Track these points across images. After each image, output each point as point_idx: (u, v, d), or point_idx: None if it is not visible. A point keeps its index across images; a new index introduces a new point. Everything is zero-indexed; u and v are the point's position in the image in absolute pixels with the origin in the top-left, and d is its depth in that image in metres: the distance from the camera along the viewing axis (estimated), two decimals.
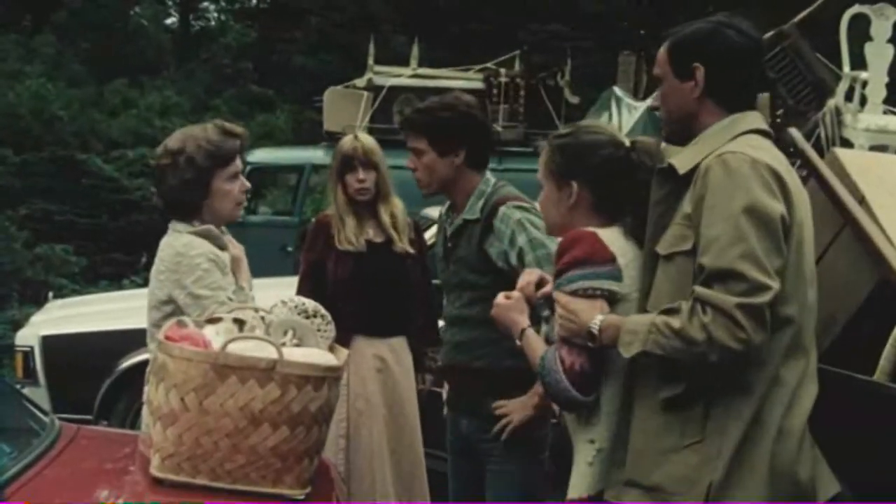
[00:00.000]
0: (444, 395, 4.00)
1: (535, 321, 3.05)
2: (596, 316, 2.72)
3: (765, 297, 2.48)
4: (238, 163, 3.74)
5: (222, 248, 3.70)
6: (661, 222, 2.74)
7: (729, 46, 2.75)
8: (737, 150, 2.63)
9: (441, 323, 4.04)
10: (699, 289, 2.53)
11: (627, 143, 3.03)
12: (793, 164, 4.69)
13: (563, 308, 2.78)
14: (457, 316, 3.81)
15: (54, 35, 22.35)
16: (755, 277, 2.48)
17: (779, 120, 6.21)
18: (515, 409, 3.56)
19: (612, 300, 2.80)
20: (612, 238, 2.90)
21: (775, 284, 2.50)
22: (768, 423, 2.60)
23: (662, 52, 2.83)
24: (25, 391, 6.12)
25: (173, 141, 3.70)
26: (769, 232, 2.54)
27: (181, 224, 3.68)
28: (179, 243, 3.60)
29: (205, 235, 3.66)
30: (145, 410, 3.68)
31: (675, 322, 2.54)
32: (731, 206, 2.54)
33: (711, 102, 2.77)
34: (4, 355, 8.87)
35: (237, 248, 3.80)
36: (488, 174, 3.85)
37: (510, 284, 3.34)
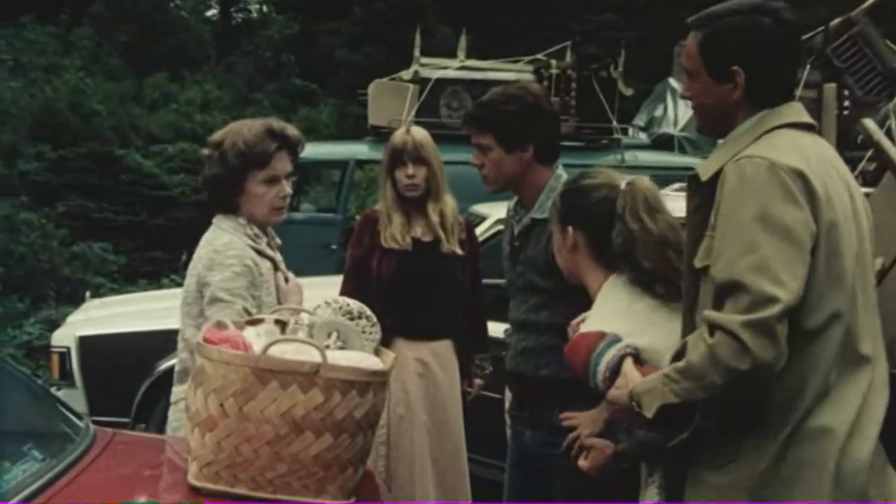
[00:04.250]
0: (507, 405, 3.91)
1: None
2: (626, 392, 2.71)
3: (771, 310, 2.38)
4: (280, 167, 3.71)
5: (261, 252, 3.69)
6: (696, 234, 2.67)
7: (767, 41, 2.64)
8: (756, 153, 2.53)
9: (507, 326, 3.96)
10: (707, 312, 2.48)
11: (623, 185, 3.06)
12: (856, 158, 4.58)
13: (611, 402, 2.83)
14: (522, 321, 3.72)
15: (92, 28, 22.49)
16: (760, 289, 2.39)
17: (846, 112, 6.11)
18: (584, 423, 3.36)
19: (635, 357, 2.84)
20: (602, 300, 3.02)
21: (785, 295, 2.40)
22: (832, 443, 2.51)
23: (693, 46, 2.71)
24: (61, 393, 6.17)
25: (219, 133, 3.76)
26: (785, 240, 2.44)
27: (226, 221, 3.70)
28: (219, 241, 3.63)
29: (251, 238, 3.65)
30: (172, 412, 3.69)
31: (682, 363, 2.51)
32: (742, 215, 2.47)
33: (749, 101, 2.67)
34: (41, 356, 8.93)
35: (288, 278, 3.77)
36: (560, 169, 3.75)
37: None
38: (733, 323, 2.39)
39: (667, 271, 2.94)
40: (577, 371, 2.91)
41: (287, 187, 3.76)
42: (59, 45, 20.84)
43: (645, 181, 3.10)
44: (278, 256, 3.83)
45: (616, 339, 2.83)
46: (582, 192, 3.17)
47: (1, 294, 11.07)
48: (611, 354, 2.81)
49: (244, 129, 3.70)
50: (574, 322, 3.23)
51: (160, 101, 21.43)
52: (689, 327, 2.68)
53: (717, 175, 2.59)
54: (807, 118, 2.71)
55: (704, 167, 2.67)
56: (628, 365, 2.79)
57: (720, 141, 2.79)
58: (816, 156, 2.59)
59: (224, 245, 3.62)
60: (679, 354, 2.56)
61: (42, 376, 8.11)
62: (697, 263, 2.63)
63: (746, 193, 2.48)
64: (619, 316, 2.94)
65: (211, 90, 22.30)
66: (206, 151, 3.75)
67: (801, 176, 2.49)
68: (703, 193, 2.65)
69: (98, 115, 17.95)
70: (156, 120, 20.20)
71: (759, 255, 2.42)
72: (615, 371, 2.79)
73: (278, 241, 3.89)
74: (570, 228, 3.13)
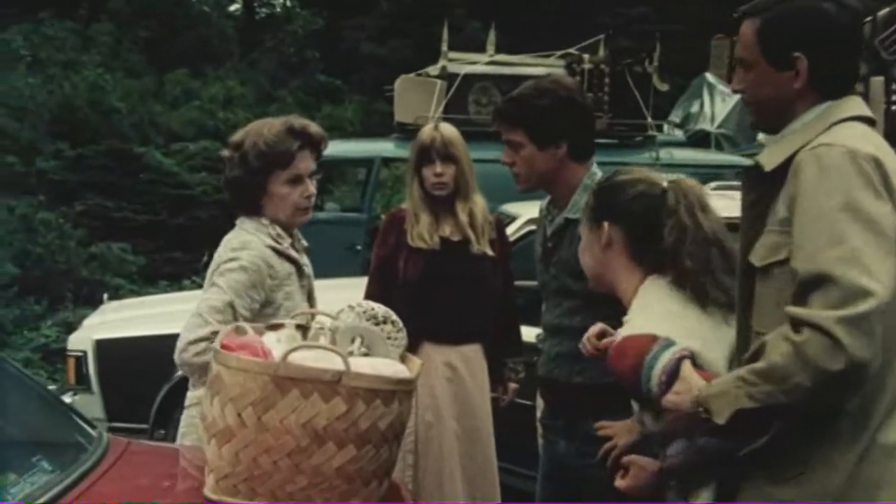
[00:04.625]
0: (539, 413, 3.84)
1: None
2: (693, 392, 2.56)
3: (867, 304, 2.27)
4: (303, 166, 3.68)
5: (282, 253, 3.65)
6: (754, 229, 2.58)
7: (831, 28, 2.56)
8: (833, 141, 2.45)
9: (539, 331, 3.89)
10: (793, 309, 2.35)
11: (665, 183, 2.98)
12: None
13: (670, 408, 2.64)
14: (556, 325, 3.65)
15: (112, 23, 22.59)
16: (851, 282, 2.28)
17: (894, 106, 6.03)
18: (620, 432, 3.29)
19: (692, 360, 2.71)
20: (645, 303, 2.88)
21: (880, 288, 2.29)
22: None
23: (750, 33, 2.62)
24: (77, 398, 6.16)
25: (238, 133, 3.73)
26: (873, 232, 2.34)
27: (248, 221, 3.69)
28: (237, 240, 3.62)
29: (274, 239, 3.63)
30: (184, 416, 3.65)
31: (761, 363, 2.37)
32: (826, 204, 2.36)
33: (811, 91, 2.58)
34: (58, 359, 8.92)
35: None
36: (594, 167, 3.69)
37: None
38: (826, 318, 2.27)
39: (705, 273, 2.85)
40: (625, 375, 2.76)
41: (311, 187, 3.72)
42: (78, 40, 20.95)
43: (689, 179, 3.04)
44: (304, 259, 3.79)
45: (670, 342, 2.70)
46: (618, 188, 3.06)
47: (17, 296, 11.12)
48: (667, 357, 2.65)
49: (264, 128, 3.66)
50: (590, 334, 3.16)
51: (181, 98, 21.51)
52: (743, 330, 2.60)
53: (781, 167, 2.51)
54: (868, 112, 2.63)
55: (768, 157, 2.57)
56: (687, 368, 2.64)
57: (760, 136, 2.70)
58: (888, 150, 2.51)
59: (241, 243, 3.60)
60: (753, 356, 2.43)
61: (59, 380, 8.10)
62: (758, 262, 2.54)
63: (828, 182, 2.38)
64: (668, 318, 2.82)
65: (233, 87, 22.37)
66: (225, 153, 3.73)
67: (879, 165, 2.41)
68: (762, 186, 2.57)
69: (117, 113, 18.04)
70: (177, 117, 20.28)
71: (848, 247, 2.31)
72: (672, 375, 2.64)
73: (304, 242, 3.85)
74: (605, 224, 3.01)
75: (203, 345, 3.41)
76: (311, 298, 3.84)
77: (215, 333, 3.35)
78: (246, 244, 3.59)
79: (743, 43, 2.64)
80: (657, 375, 2.64)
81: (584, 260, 3.13)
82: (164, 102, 21.00)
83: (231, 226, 3.76)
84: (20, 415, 3.26)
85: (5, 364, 3.48)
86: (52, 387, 7.31)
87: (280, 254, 3.64)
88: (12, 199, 13.53)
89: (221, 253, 3.63)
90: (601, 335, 3.17)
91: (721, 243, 2.88)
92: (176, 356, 3.50)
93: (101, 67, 19.25)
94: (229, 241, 3.66)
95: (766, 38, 2.60)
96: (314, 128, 3.73)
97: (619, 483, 2.94)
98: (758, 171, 2.58)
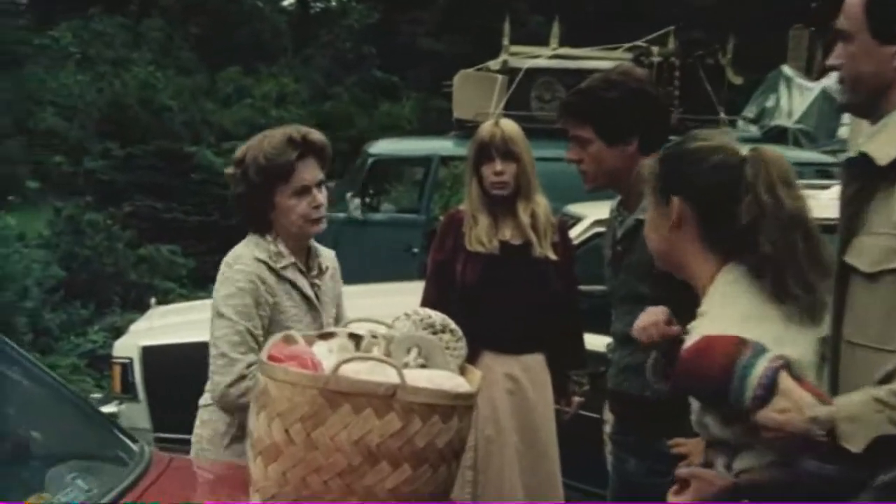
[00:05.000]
0: (608, 428, 3.74)
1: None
2: (805, 412, 2.37)
3: None
4: (307, 176, 3.67)
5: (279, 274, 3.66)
6: (852, 227, 2.45)
7: None
8: None
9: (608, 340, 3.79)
10: None
11: (744, 152, 2.75)
12: None
13: (771, 427, 2.44)
14: (626, 334, 3.51)
15: (163, 19, 22.81)
16: None
17: None
18: (696, 450, 3.11)
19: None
20: (724, 297, 2.68)
21: None
22: None
23: (856, 1, 2.50)
24: (123, 407, 6.12)
25: (241, 148, 3.76)
26: None
27: (254, 236, 3.72)
28: (231, 255, 3.67)
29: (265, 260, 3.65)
30: (197, 423, 3.63)
31: None
32: None
33: None
34: (105, 365, 8.94)
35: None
36: None
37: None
38: None
39: (788, 262, 2.64)
40: (709, 377, 2.55)
41: (320, 196, 3.71)
42: (128, 37, 21.20)
43: (773, 150, 2.80)
44: (309, 281, 3.77)
45: (762, 348, 2.50)
46: (693, 157, 2.82)
47: (63, 299, 11.18)
48: (762, 366, 2.46)
49: (265, 141, 3.67)
50: (657, 319, 2.99)
51: (234, 96, 21.73)
52: (836, 338, 2.47)
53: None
54: None
55: (880, 149, 2.43)
56: (788, 381, 2.45)
57: (842, 132, 2.57)
58: None
59: (234, 257, 3.65)
60: (889, 375, 2.29)
61: (105, 388, 8.12)
62: (866, 266, 2.41)
63: None
64: (752, 320, 2.63)
65: (287, 84, 22.53)
66: (229, 170, 3.76)
67: None
68: (863, 179, 2.44)
69: (168, 111, 18.21)
70: (229, 115, 20.45)
71: None
72: (769, 388, 2.45)
73: (324, 264, 3.85)
74: (675, 199, 2.78)
75: (244, 385, 3.45)
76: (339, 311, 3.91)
77: (250, 366, 3.41)
78: (238, 258, 3.64)
79: (846, 12, 2.52)
80: (752, 387, 2.45)
81: (649, 237, 2.93)
82: (215, 100, 21.21)
83: None
84: (55, 428, 3.24)
85: (39, 371, 3.44)
86: (97, 395, 7.32)
87: (275, 273, 3.65)
88: (59, 200, 13.65)
89: (220, 271, 3.68)
90: (669, 322, 2.98)
91: (807, 227, 2.66)
92: (217, 402, 3.56)
93: (152, 65, 19.49)
94: (231, 253, 3.71)
95: (875, 6, 2.47)
96: (315, 135, 3.71)
97: (676, 498, 2.71)
98: (862, 163, 2.45)
